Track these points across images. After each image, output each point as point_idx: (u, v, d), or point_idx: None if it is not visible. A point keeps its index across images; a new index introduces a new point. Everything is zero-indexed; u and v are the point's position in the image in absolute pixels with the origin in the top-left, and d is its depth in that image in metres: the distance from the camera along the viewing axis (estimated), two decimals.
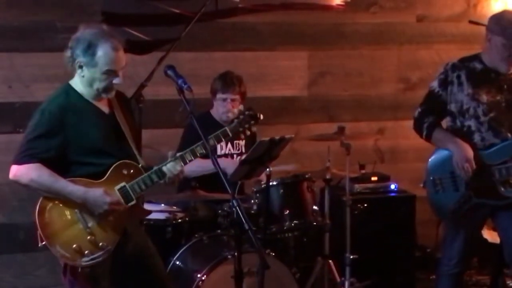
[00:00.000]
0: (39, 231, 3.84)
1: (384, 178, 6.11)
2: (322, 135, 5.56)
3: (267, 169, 4.69)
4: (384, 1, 6.48)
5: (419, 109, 4.76)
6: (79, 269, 3.87)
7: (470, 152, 4.51)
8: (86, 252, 3.84)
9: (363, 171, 6.02)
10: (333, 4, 6.31)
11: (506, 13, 4.71)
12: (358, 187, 5.90)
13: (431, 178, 4.72)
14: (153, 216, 4.91)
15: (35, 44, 5.55)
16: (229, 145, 5.42)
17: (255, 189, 5.05)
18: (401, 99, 6.56)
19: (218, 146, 5.33)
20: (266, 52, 6.21)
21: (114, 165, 3.93)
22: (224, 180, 3.71)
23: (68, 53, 3.91)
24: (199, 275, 4.63)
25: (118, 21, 5.74)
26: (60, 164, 3.87)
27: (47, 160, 3.83)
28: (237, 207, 3.71)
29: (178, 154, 4.00)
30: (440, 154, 4.69)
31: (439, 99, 4.67)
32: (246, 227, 3.63)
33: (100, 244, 3.87)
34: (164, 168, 3.97)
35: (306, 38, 6.31)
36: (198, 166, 4.83)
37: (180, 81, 3.86)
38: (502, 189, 4.53)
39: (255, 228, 4.35)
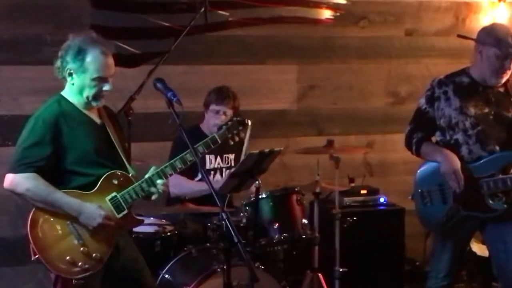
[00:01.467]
0: (32, 245, 3.81)
1: (373, 192, 6.13)
2: (311, 148, 5.57)
3: (257, 182, 4.69)
4: (373, 15, 6.51)
5: (409, 127, 4.77)
6: (73, 282, 3.85)
7: (457, 163, 4.51)
8: (80, 263, 3.83)
9: (352, 184, 6.02)
10: (323, 18, 6.33)
11: (497, 25, 4.75)
12: (347, 200, 5.91)
13: (419, 190, 4.72)
14: (142, 229, 4.90)
15: (24, 57, 5.54)
16: (218, 158, 5.42)
17: (244, 202, 5.05)
18: (390, 112, 6.58)
19: (207, 160, 5.34)
20: (256, 65, 6.23)
21: (105, 175, 3.92)
22: (214, 193, 3.70)
23: (58, 62, 3.91)
24: None
25: (107, 34, 5.73)
26: (53, 174, 3.86)
27: (42, 169, 3.82)
28: (226, 220, 3.70)
29: (163, 166, 4.00)
30: (429, 166, 4.69)
31: (427, 116, 4.68)
32: (235, 240, 3.62)
33: (94, 255, 3.86)
34: (155, 178, 3.97)
35: (295, 51, 6.32)
36: (190, 188, 4.91)
37: (169, 94, 3.86)
38: (490, 201, 4.53)
39: (244, 241, 4.33)
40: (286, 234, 5.04)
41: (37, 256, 3.81)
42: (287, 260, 5.32)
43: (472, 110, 4.57)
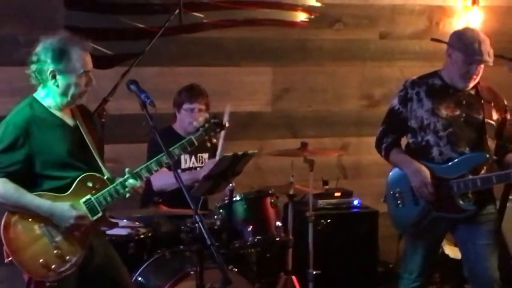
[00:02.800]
0: (5, 247, 3.81)
1: (347, 194, 6.14)
2: (285, 150, 5.58)
3: (230, 185, 4.69)
4: (347, 18, 6.52)
5: (381, 128, 4.79)
6: (47, 284, 3.83)
7: (426, 175, 4.54)
8: (53, 266, 3.82)
9: (326, 187, 6.04)
10: (297, 20, 6.35)
11: (468, 30, 4.76)
12: (321, 202, 5.92)
13: (391, 192, 4.74)
14: (115, 231, 4.87)
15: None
16: (193, 158, 5.42)
17: (218, 205, 5.05)
18: (364, 115, 6.60)
19: (182, 160, 5.33)
20: (231, 67, 6.23)
21: (79, 178, 3.91)
22: (187, 196, 3.71)
23: (34, 66, 3.88)
24: None
25: (80, 35, 5.71)
26: (26, 178, 3.85)
27: (13, 174, 3.82)
28: (200, 223, 3.71)
29: (138, 169, 3.99)
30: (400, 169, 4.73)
31: (400, 116, 4.70)
32: (209, 242, 3.63)
33: (67, 257, 3.85)
34: (129, 181, 3.95)
35: (270, 54, 6.33)
36: (165, 180, 4.89)
37: (143, 96, 3.85)
38: (461, 202, 4.56)
39: (218, 243, 4.34)
40: (259, 237, 5.05)
41: (10, 259, 3.80)
42: (260, 263, 5.31)
43: (443, 112, 4.60)
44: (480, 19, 6.72)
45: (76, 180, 3.90)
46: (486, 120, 4.60)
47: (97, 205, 3.91)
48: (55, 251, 3.83)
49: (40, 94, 3.94)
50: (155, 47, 5.18)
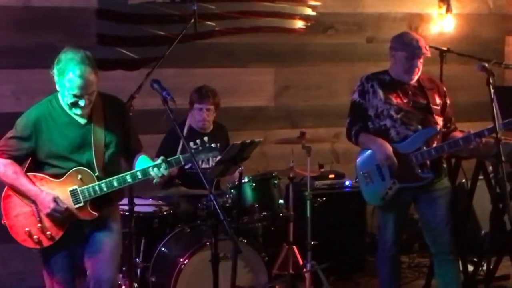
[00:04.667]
0: (2, 211, 3.93)
1: (339, 176, 6.15)
2: (286, 139, 5.58)
3: (240, 168, 4.71)
4: (338, 25, 6.52)
5: (348, 120, 4.82)
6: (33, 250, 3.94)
7: (388, 148, 4.58)
8: (35, 236, 3.87)
9: (322, 170, 6.01)
10: (296, 27, 6.35)
11: (405, 33, 4.83)
12: (317, 183, 5.92)
13: (361, 173, 4.77)
14: (142, 209, 4.93)
15: (38, 62, 5.49)
16: None
17: (229, 185, 5.07)
18: None
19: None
20: (239, 68, 6.22)
21: (72, 169, 3.90)
22: (203, 178, 3.72)
23: (51, 71, 3.88)
24: (181, 259, 4.65)
25: (110, 42, 5.75)
26: (32, 161, 3.92)
27: (17, 157, 3.89)
28: (214, 201, 3.73)
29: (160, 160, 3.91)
30: (365, 152, 4.75)
31: (361, 107, 4.73)
32: (222, 218, 3.64)
33: (48, 232, 3.89)
34: (115, 181, 3.90)
35: (272, 56, 6.33)
36: None
37: (164, 93, 3.85)
38: (420, 171, 4.61)
39: (230, 219, 4.36)
40: (265, 213, 5.08)
41: (4, 222, 3.91)
42: (266, 235, 5.34)
43: (394, 101, 4.66)
44: (453, 24, 6.72)
45: (69, 171, 3.91)
46: (431, 104, 4.66)
47: (80, 196, 3.88)
48: (38, 225, 3.87)
49: (59, 93, 3.93)
50: (174, 51, 5.17)
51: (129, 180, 3.91)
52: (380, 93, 4.67)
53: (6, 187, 3.94)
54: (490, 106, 4.46)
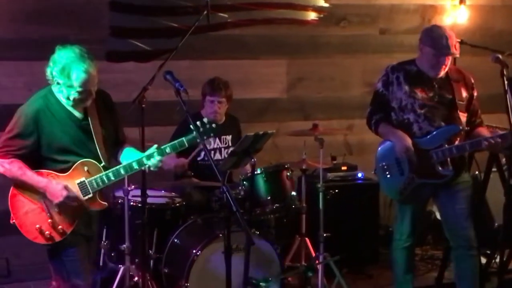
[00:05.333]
0: (11, 211, 3.89)
1: (352, 168, 6.13)
2: (299, 131, 5.57)
3: (252, 160, 4.70)
4: (351, 17, 6.49)
5: (369, 109, 4.80)
6: (47, 247, 3.93)
7: (408, 141, 4.55)
8: (46, 232, 3.85)
9: (334, 162, 6.03)
10: (309, 19, 6.33)
11: (435, 27, 4.70)
12: (330, 175, 5.91)
13: (380, 165, 4.75)
14: (155, 200, 4.94)
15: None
16: (217, 140, 5.42)
17: (242, 177, 5.06)
18: (366, 100, 6.44)
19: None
20: (251, 60, 6.22)
21: (78, 162, 3.90)
22: (216, 169, 3.71)
23: (47, 69, 3.86)
24: (194, 251, 4.64)
25: (123, 34, 5.75)
26: (35, 158, 3.87)
27: (21, 155, 3.84)
28: (227, 193, 3.71)
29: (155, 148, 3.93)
30: (386, 144, 4.73)
31: (384, 98, 4.69)
32: (235, 209, 3.63)
33: (59, 227, 3.87)
34: (122, 169, 3.91)
35: (285, 48, 6.31)
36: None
37: (177, 84, 3.84)
38: (440, 169, 4.57)
39: (242, 210, 4.35)
40: (277, 205, 5.07)
41: (13, 221, 3.87)
42: (278, 227, 5.34)
43: (419, 95, 4.61)
44: (466, 16, 6.67)
45: (75, 164, 3.90)
46: (456, 100, 4.60)
47: (89, 187, 3.89)
48: (49, 220, 3.85)
49: (54, 89, 3.91)
50: (186, 43, 5.17)
51: (136, 167, 3.92)
52: (405, 86, 4.62)
53: (12, 187, 3.90)
54: (504, 97, 4.42)
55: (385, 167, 4.71)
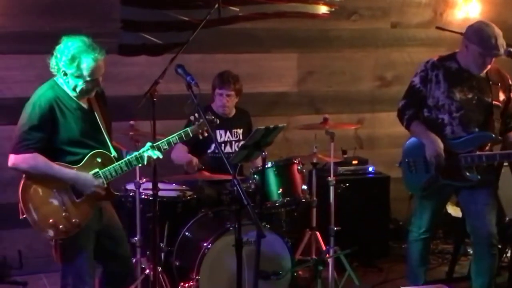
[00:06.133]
0: (21, 205, 3.83)
1: (363, 162, 6.12)
2: (309, 125, 5.55)
3: (263, 153, 4.69)
4: (363, 10, 6.47)
5: (402, 102, 4.71)
6: (59, 242, 3.88)
7: (440, 146, 4.48)
8: (60, 226, 3.83)
9: (345, 156, 6.02)
10: (320, 13, 6.31)
11: (483, 25, 4.52)
12: (341, 169, 5.91)
13: (406, 160, 4.71)
14: (166, 193, 4.94)
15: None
16: (228, 133, 5.42)
17: (252, 171, 5.06)
18: (377, 94, 6.57)
19: (218, 134, 5.33)
20: (262, 54, 6.21)
21: (90, 153, 3.90)
22: (226, 163, 3.72)
23: (52, 60, 3.85)
24: (205, 244, 4.65)
25: (135, 27, 5.74)
26: (46, 151, 3.84)
27: (39, 149, 3.80)
28: (238, 186, 3.71)
29: (153, 144, 3.99)
30: (415, 140, 4.68)
31: (420, 94, 4.61)
32: (245, 203, 3.64)
33: (74, 220, 3.86)
34: (133, 159, 3.95)
35: (296, 42, 6.30)
36: (178, 154, 5.06)
37: (188, 78, 3.86)
38: (467, 173, 4.51)
39: (253, 204, 4.34)
40: (288, 198, 5.06)
41: (24, 216, 3.83)
42: (289, 220, 5.34)
43: (457, 95, 4.52)
44: (479, 10, 6.62)
45: (87, 155, 3.90)
46: (494, 102, 4.53)
47: (103, 178, 3.90)
48: (63, 214, 3.83)
49: (59, 80, 3.91)
50: (197, 37, 5.17)
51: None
52: (444, 85, 4.53)
53: (23, 179, 3.85)
54: None
55: (411, 162, 4.67)
